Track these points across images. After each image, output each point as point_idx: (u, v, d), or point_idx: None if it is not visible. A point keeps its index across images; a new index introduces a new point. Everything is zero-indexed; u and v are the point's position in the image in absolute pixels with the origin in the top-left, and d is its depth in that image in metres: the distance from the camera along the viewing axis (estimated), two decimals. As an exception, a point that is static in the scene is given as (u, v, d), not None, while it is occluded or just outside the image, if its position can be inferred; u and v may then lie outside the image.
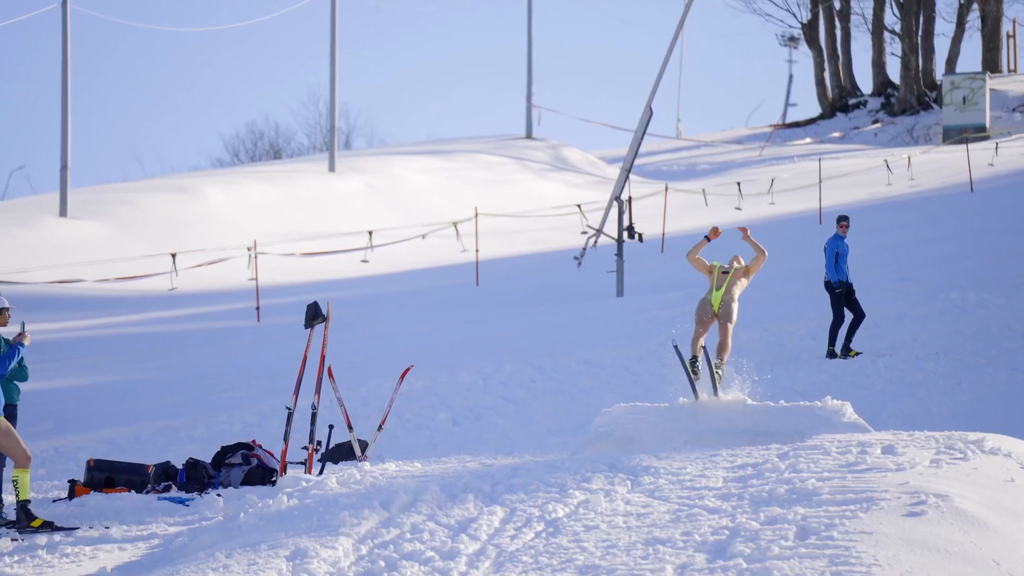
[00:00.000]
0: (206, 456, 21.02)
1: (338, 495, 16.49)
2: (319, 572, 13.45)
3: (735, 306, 18.54)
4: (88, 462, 19.52)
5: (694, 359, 18.30)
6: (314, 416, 19.26)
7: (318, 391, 19.44)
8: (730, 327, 18.34)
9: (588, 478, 15.96)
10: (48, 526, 16.67)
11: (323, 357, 19.40)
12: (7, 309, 17.15)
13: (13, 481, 16.72)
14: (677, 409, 18.85)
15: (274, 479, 19.26)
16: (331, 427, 20.04)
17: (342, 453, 21.05)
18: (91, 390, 30.59)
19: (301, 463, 19.61)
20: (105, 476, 19.36)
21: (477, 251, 50.61)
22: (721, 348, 18.39)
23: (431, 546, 13.99)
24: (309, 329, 19.50)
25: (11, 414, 17.00)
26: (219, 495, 18.49)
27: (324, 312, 19.44)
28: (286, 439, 19.14)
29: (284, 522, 15.63)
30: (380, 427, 20.05)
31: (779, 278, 39.43)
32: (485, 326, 36.49)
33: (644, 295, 38.97)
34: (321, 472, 19.04)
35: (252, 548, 14.34)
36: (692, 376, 18.12)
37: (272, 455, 19.84)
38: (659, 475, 15.77)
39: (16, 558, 15.32)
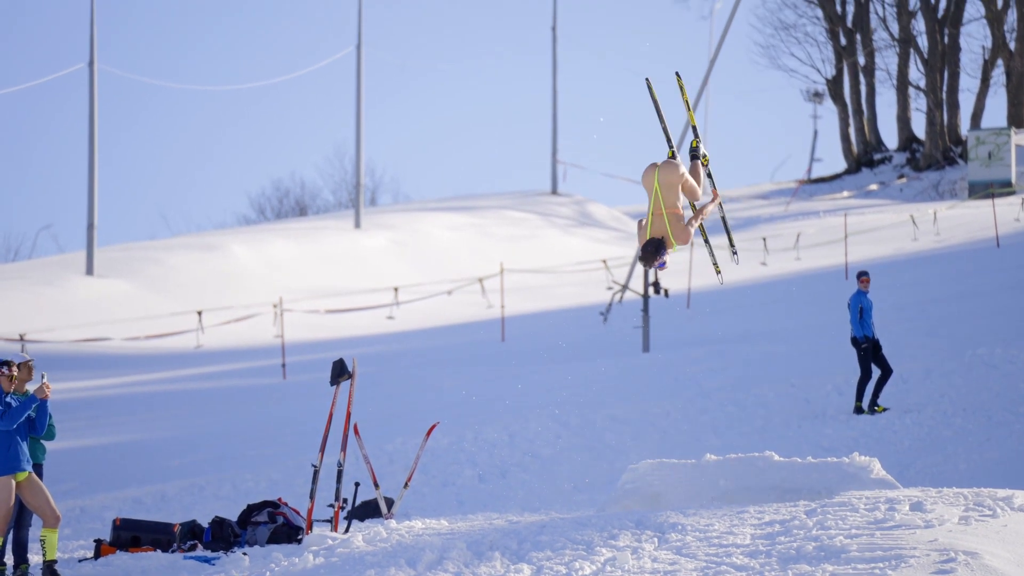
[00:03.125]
0: (232, 514, 20.99)
1: (364, 553, 16.44)
2: (345, 631, 13.39)
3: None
4: (114, 521, 19.51)
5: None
6: (340, 473, 19.24)
7: (344, 448, 19.43)
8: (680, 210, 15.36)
9: (615, 535, 15.89)
10: (73, 586, 16.69)
11: (349, 414, 19.40)
12: (26, 364, 17.19)
13: (41, 541, 16.72)
14: (704, 465, 18.77)
15: (300, 537, 19.22)
16: (357, 484, 20.01)
17: (368, 511, 21.01)
18: (117, 448, 30.62)
19: (327, 521, 19.57)
20: (131, 535, 19.34)
21: (503, 307, 50.64)
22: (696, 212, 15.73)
23: (457, 605, 13.93)
24: (335, 386, 19.50)
25: (37, 473, 17.01)
26: (245, 553, 18.45)
27: (350, 369, 19.44)
28: (312, 496, 19.11)
29: (310, 580, 15.59)
30: (406, 484, 20.01)
31: (805, 333, 39.33)
32: (511, 382, 36.46)
33: (670, 351, 38.90)
34: (347, 530, 19.00)
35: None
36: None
37: (298, 513, 19.80)
38: (686, 532, 15.69)
39: (42, 617, 15.31)
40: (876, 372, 28.44)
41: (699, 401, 30.48)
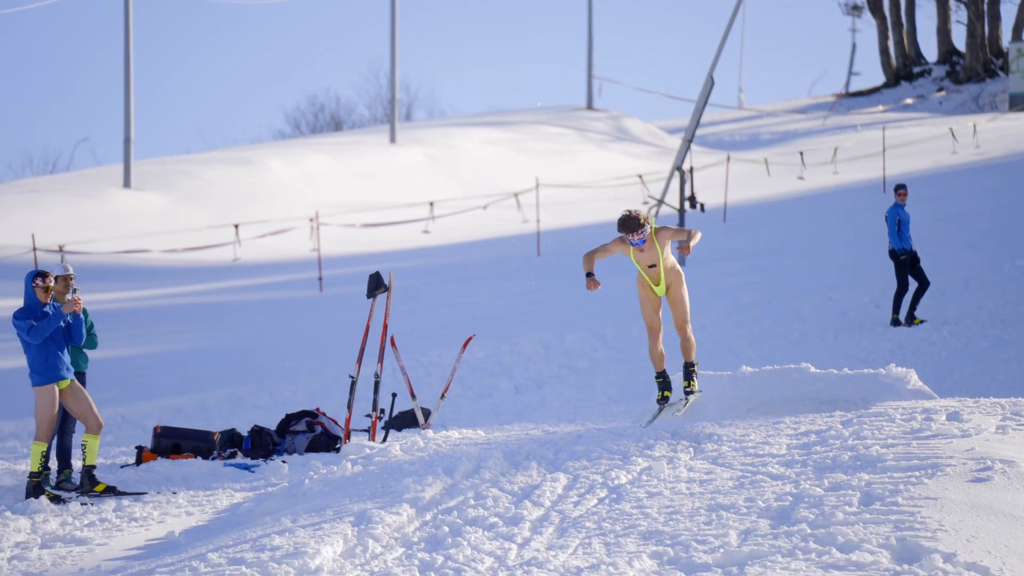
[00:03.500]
0: (271, 424, 21.17)
1: (402, 462, 16.57)
2: (384, 537, 13.53)
3: (684, 294, 15.40)
4: (155, 429, 19.69)
5: (663, 379, 15.82)
6: (377, 384, 19.36)
7: (381, 360, 19.53)
8: (687, 324, 15.53)
9: (651, 445, 15.97)
10: (111, 491, 16.86)
11: (385, 326, 19.49)
12: (71, 276, 17.31)
13: (82, 446, 16.92)
14: (740, 377, 18.81)
15: (338, 446, 19.38)
16: (394, 395, 20.14)
17: (405, 421, 21.15)
18: (157, 358, 30.86)
19: (365, 431, 19.73)
20: (172, 443, 19.53)
21: (538, 222, 50.61)
22: (686, 349, 15.81)
23: (495, 512, 14.05)
24: (371, 299, 19.58)
25: (80, 381, 17.18)
26: (284, 462, 18.62)
27: (386, 282, 19.51)
28: (350, 407, 19.25)
29: (348, 488, 15.73)
30: (443, 396, 20.13)
31: (843, 247, 39.24)
32: (546, 296, 36.52)
33: (706, 264, 38.86)
34: (385, 439, 19.15)
35: (317, 513, 14.45)
36: (663, 403, 15.89)
37: (336, 423, 19.95)
38: (722, 442, 15.76)
39: (86, 522, 15.50)
40: (913, 284, 28.38)
41: (735, 314, 30.48)
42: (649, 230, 14.41)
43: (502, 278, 41.54)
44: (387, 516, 14.07)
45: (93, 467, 16.94)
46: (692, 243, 14.60)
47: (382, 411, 19.59)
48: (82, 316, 16.61)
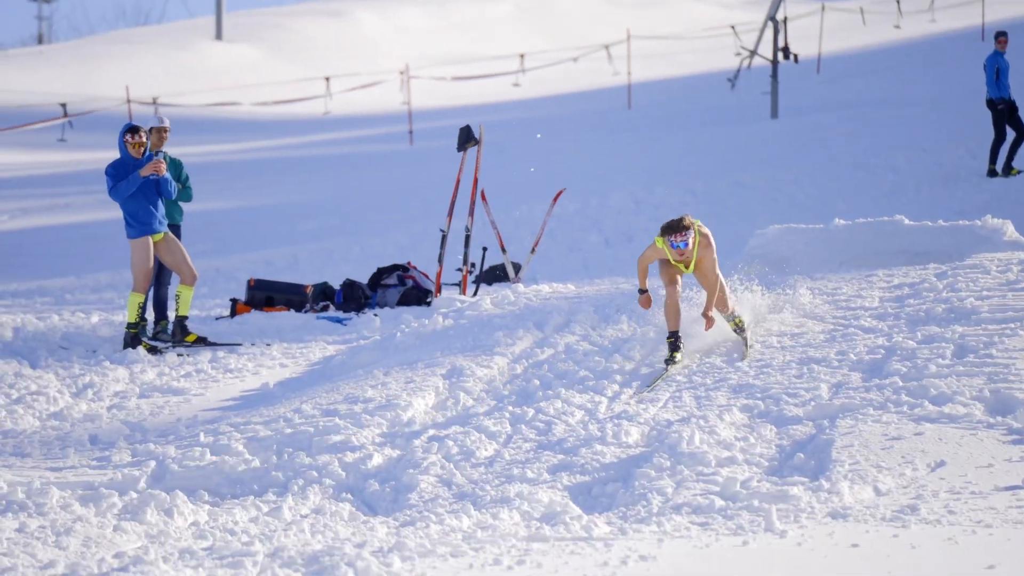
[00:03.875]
0: (362, 277, 21.30)
1: (492, 316, 16.65)
2: (475, 390, 13.64)
3: (716, 268, 13.68)
4: (248, 282, 19.88)
5: (674, 339, 13.65)
6: (468, 238, 19.39)
7: (471, 214, 19.54)
8: (725, 306, 13.87)
9: (741, 299, 15.91)
10: (202, 341, 17.08)
11: (476, 180, 19.46)
12: (166, 128, 17.40)
13: (176, 296, 17.13)
14: (833, 230, 18.65)
15: (429, 300, 19.49)
16: (485, 249, 20.17)
17: (496, 275, 21.21)
18: (250, 212, 31.09)
19: (455, 284, 19.80)
20: (265, 295, 19.71)
21: (629, 74, 50.17)
22: (718, 302, 13.85)
23: (585, 366, 14.10)
24: (462, 152, 19.54)
25: (175, 234, 17.34)
26: (376, 315, 18.75)
27: (476, 135, 19.45)
28: (440, 261, 19.31)
29: (440, 342, 15.84)
30: (533, 249, 20.13)
31: (939, 97, 38.61)
32: (637, 149, 36.31)
33: (799, 116, 38.42)
34: (475, 293, 19.22)
35: (409, 366, 14.58)
36: (670, 363, 13.57)
37: (427, 276, 20.04)
38: (814, 295, 15.68)
39: (183, 372, 15.74)
40: (1011, 134, 27.91)
41: (828, 167, 30.17)
42: (693, 235, 13.35)
43: (592, 131, 41.33)
44: (478, 369, 14.17)
45: (185, 318, 17.16)
46: (710, 309, 13.49)
47: (473, 265, 19.64)
48: (167, 176, 16.70)
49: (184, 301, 17.09)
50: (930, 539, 9.10)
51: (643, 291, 13.82)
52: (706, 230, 13.54)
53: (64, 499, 10.75)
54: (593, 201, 28.48)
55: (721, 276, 13.74)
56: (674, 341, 13.58)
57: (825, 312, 15.02)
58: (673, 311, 13.58)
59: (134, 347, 16.74)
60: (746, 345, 13.79)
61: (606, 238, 26.19)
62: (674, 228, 13.40)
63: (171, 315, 17.81)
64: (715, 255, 13.59)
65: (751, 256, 19.05)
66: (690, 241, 13.39)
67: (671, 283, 13.53)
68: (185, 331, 17.12)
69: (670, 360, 13.49)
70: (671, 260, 13.59)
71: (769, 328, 14.68)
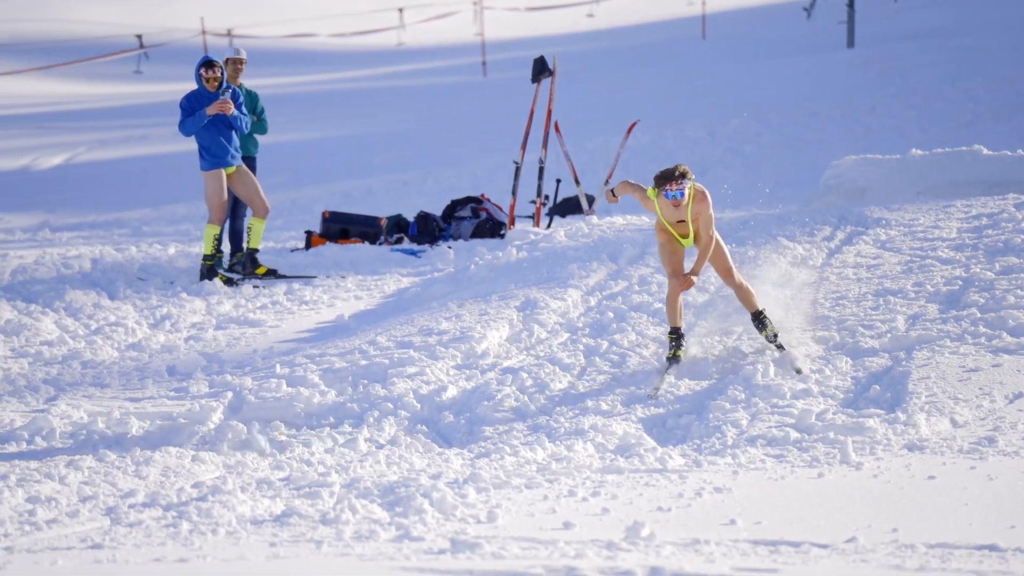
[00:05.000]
0: (436, 209, 21.32)
1: (566, 248, 16.63)
2: (549, 323, 13.65)
3: (715, 236, 12.28)
4: (323, 214, 19.94)
5: (676, 336, 12.23)
6: (541, 171, 19.35)
7: (545, 145, 19.49)
8: (733, 271, 12.33)
9: (816, 230, 15.83)
10: (272, 273, 17.17)
11: (550, 111, 19.39)
12: (242, 60, 17.43)
13: (248, 228, 17.21)
14: (910, 161, 18.48)
15: (503, 232, 19.48)
16: (558, 181, 20.12)
17: (569, 207, 21.16)
18: (324, 144, 31.17)
19: (529, 217, 19.78)
20: (340, 227, 19.77)
21: (703, 3, 49.74)
22: (745, 299, 12.36)
23: (659, 298, 14.08)
24: (535, 83, 19.47)
25: (250, 166, 17.41)
26: (450, 247, 18.78)
27: (550, 66, 19.36)
28: (514, 193, 19.29)
29: (514, 274, 15.86)
30: (607, 181, 20.07)
31: (1020, 25, 38.06)
32: (711, 80, 36.05)
33: (876, 46, 37.98)
34: (549, 226, 19.19)
35: (483, 299, 14.60)
36: (672, 362, 12.17)
37: (500, 209, 20.03)
38: (890, 226, 15.56)
39: (259, 304, 15.84)
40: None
41: (905, 96, 29.84)
42: (688, 187, 11.94)
43: (666, 62, 41.06)
44: (552, 302, 14.18)
45: (256, 250, 17.25)
46: (699, 270, 12.03)
47: (546, 197, 19.60)
48: (236, 113, 16.72)
49: (255, 233, 17.17)
50: (1007, 471, 9.04)
51: (613, 191, 12.42)
52: (702, 187, 12.21)
53: (143, 429, 10.87)
54: (667, 133, 28.34)
55: (730, 260, 12.28)
56: (676, 338, 12.13)
57: (902, 243, 14.91)
58: (674, 308, 12.17)
59: (210, 279, 16.85)
60: (792, 360, 11.88)
61: (680, 170, 26.07)
62: (668, 176, 12.03)
63: (243, 247, 17.90)
64: (711, 213, 12.15)
65: (826, 187, 18.93)
66: (685, 192, 11.98)
67: (674, 274, 12.14)
68: (255, 263, 17.21)
69: (673, 358, 12.08)
70: (666, 224, 12.17)
71: (844, 260, 14.59)
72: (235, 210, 17.44)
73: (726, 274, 12.31)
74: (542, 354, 12.75)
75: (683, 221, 12.16)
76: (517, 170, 19.32)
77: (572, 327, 13.53)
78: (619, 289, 14.56)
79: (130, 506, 8.57)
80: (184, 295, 16.22)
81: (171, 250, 19.17)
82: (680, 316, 12.20)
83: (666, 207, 12.14)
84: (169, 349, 13.98)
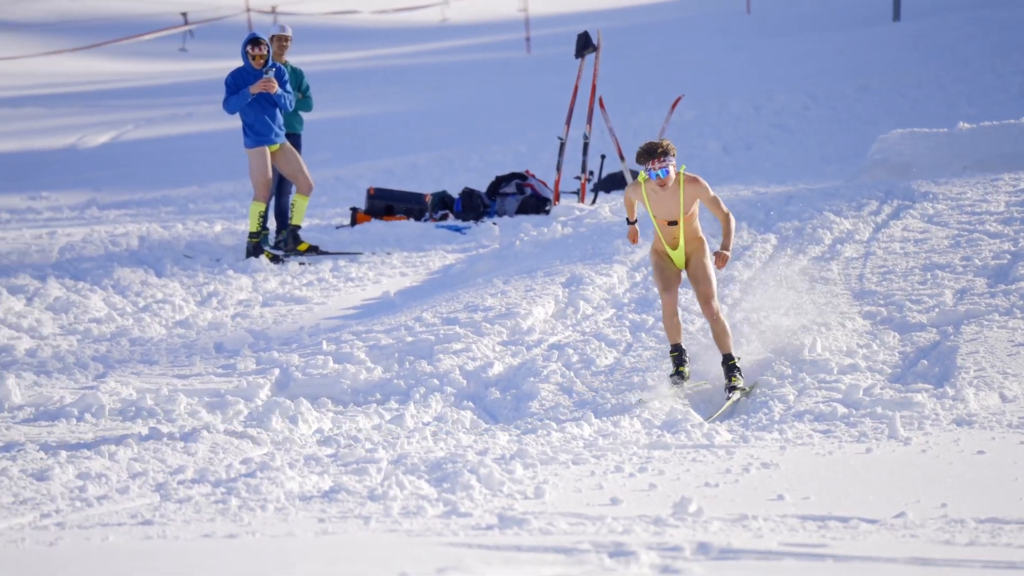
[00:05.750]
0: (480, 185, 21.32)
1: (611, 224, 16.61)
2: (594, 299, 13.65)
3: (708, 264, 11.23)
4: (368, 191, 19.96)
5: (678, 353, 11.31)
6: (586, 146, 19.32)
7: (589, 121, 19.46)
8: (713, 300, 11.20)
9: (863, 205, 15.76)
10: (314, 250, 17.21)
11: (594, 87, 19.36)
12: (287, 37, 17.46)
13: (291, 204, 17.26)
14: (957, 134, 18.36)
15: (548, 208, 19.47)
16: (603, 157, 20.09)
17: (614, 182, 21.13)
18: (368, 120, 31.19)
19: (574, 192, 19.76)
20: (385, 204, 19.79)
21: (748, -23, 49.47)
22: (718, 336, 11.26)
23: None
24: (579, 59, 19.43)
25: (295, 143, 17.44)
26: (494, 223, 18.78)
27: (594, 41, 19.31)
28: (559, 169, 19.27)
29: (559, 250, 15.85)
30: (652, 156, 20.00)
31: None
32: (756, 54, 35.88)
33: (924, 18, 37.71)
34: (594, 201, 19.18)
35: (528, 275, 14.60)
36: (677, 379, 11.30)
37: (545, 184, 20.01)
38: (938, 200, 15.47)
39: (305, 281, 15.89)
40: None
41: (953, 69, 29.63)
42: (673, 166, 10.90)
43: (711, 36, 40.89)
44: (597, 277, 14.16)
45: (299, 227, 17.29)
46: (729, 245, 11.02)
47: (591, 173, 19.57)
48: (280, 91, 16.73)
49: (298, 210, 17.22)
50: (1057, 447, 9.00)
51: (631, 222, 11.47)
52: (694, 175, 11.15)
53: (191, 406, 10.93)
54: (712, 107, 28.24)
55: (715, 286, 11.18)
56: (678, 355, 11.25)
57: (949, 217, 14.82)
58: (672, 324, 11.26)
59: (256, 255, 16.91)
60: (729, 401, 10.93)
61: (725, 145, 25.98)
62: (651, 152, 10.94)
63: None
64: (713, 193, 11.11)
65: (873, 162, 18.84)
66: (671, 170, 10.94)
67: (666, 289, 11.21)
68: (297, 239, 17.26)
69: (676, 375, 11.22)
70: (657, 230, 11.12)
71: (891, 234, 14.52)
72: (281, 187, 17.49)
73: (705, 301, 11.20)
74: (588, 330, 12.75)
75: (674, 223, 11.09)
76: (561, 146, 19.30)
77: (618, 303, 13.52)
78: (665, 265, 14.53)
79: (179, 482, 8.62)
80: (231, 272, 16.28)
81: (217, 227, 19.23)
82: (679, 332, 11.29)
83: (654, 196, 11.09)
84: (216, 326, 14.04)
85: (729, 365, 11.12)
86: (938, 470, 8.52)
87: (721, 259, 11.08)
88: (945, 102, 27.28)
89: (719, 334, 11.19)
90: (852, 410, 10.15)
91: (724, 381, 11.13)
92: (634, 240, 11.52)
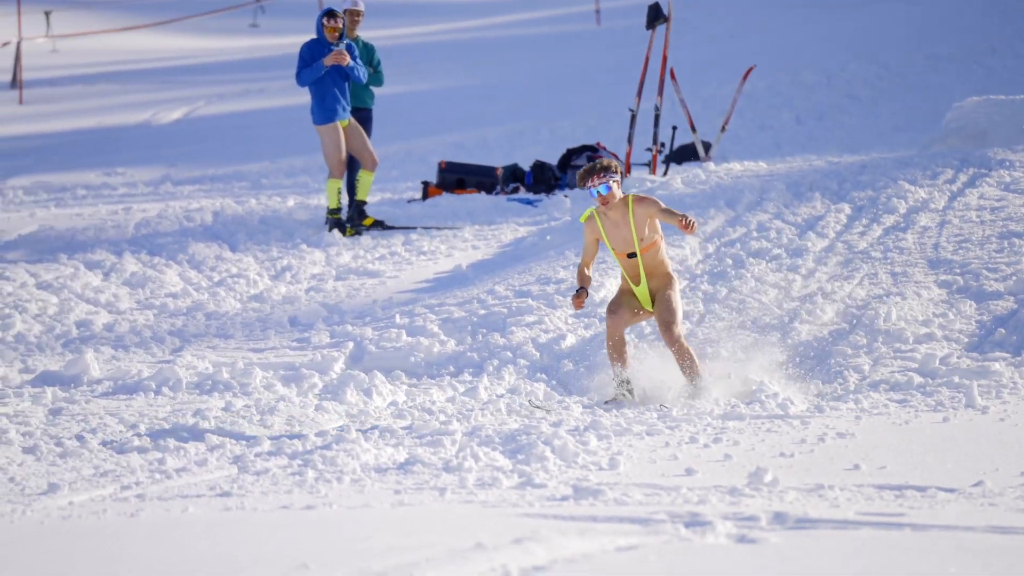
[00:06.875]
0: (552, 158, 21.30)
1: (683, 195, 16.56)
2: (667, 269, 13.61)
3: (675, 296, 10.35)
4: (439, 164, 20.00)
5: (624, 388, 10.38)
6: (657, 118, 19.26)
7: (660, 93, 19.39)
8: (675, 326, 10.26)
9: (938, 173, 15.63)
10: (379, 224, 17.26)
11: (665, 58, 19.28)
12: (360, 12, 17.49)
13: (356, 180, 17.31)
14: (1033, 102, 18.16)
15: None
16: (674, 128, 20.02)
17: (686, 154, 21.05)
18: (439, 95, 31.22)
19: (645, 164, 19.70)
20: (456, 178, 19.83)
21: (819, -54, 49.08)
22: (684, 368, 10.27)
23: (778, 244, 13.98)
24: (650, 30, 19.35)
25: (366, 117, 17.49)
26: (566, 196, 18.76)
27: (665, 13, 19.23)
28: (630, 141, 19.23)
29: (631, 221, 15.82)
30: (723, 128, 19.94)
31: None
32: (828, 24, 35.61)
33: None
34: (665, 173, 19.12)
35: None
36: (620, 396, 10.37)
37: (616, 157, 19.96)
38: (1015, 168, 15.32)
39: (377, 255, 15.95)
40: None
41: (1028, 36, 29.33)
42: (617, 184, 10.15)
43: (782, 7, 40.61)
44: (670, 249, 14.13)
45: (364, 202, 17.35)
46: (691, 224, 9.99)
47: (662, 144, 19.52)
48: (352, 63, 16.77)
49: (364, 185, 17.28)
50: None
51: (580, 289, 10.46)
52: (642, 195, 10.35)
53: (267, 379, 11.01)
54: (784, 78, 28.07)
55: (679, 313, 10.29)
56: (622, 381, 10.32)
57: (1026, 186, 14.69)
58: (617, 345, 10.33)
59: (342, 231, 17.01)
60: (695, 386, 10.23)
61: (797, 115, 25.83)
62: (588, 171, 10.22)
63: (369, 200, 18.02)
64: (664, 205, 10.26)
65: (948, 130, 18.68)
66: (612, 185, 10.16)
67: (613, 312, 10.33)
68: (363, 214, 17.32)
69: (615, 399, 10.27)
70: (619, 262, 10.42)
71: (967, 202, 14.39)
72: (351, 163, 17.55)
73: (665, 327, 10.23)
74: (661, 301, 12.71)
75: (632, 256, 10.27)
76: (633, 118, 19.25)
77: (690, 274, 13.49)
78: (737, 235, 14.48)
79: (256, 455, 8.69)
80: (304, 247, 16.37)
81: (290, 202, 19.34)
82: (624, 353, 10.29)
83: (609, 226, 10.29)
84: (290, 300, 14.12)
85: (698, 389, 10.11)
86: (1016, 438, 8.46)
87: (690, 224, 9.96)
88: (1020, 69, 26.98)
89: (685, 366, 10.20)
90: (928, 379, 10.09)
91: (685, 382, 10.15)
92: (578, 305, 10.32)
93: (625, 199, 10.30)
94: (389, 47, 35.03)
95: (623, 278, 10.49)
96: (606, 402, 10.29)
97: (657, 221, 10.33)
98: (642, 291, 10.38)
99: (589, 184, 10.27)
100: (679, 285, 10.48)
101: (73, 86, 34.19)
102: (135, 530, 6.61)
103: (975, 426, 8.83)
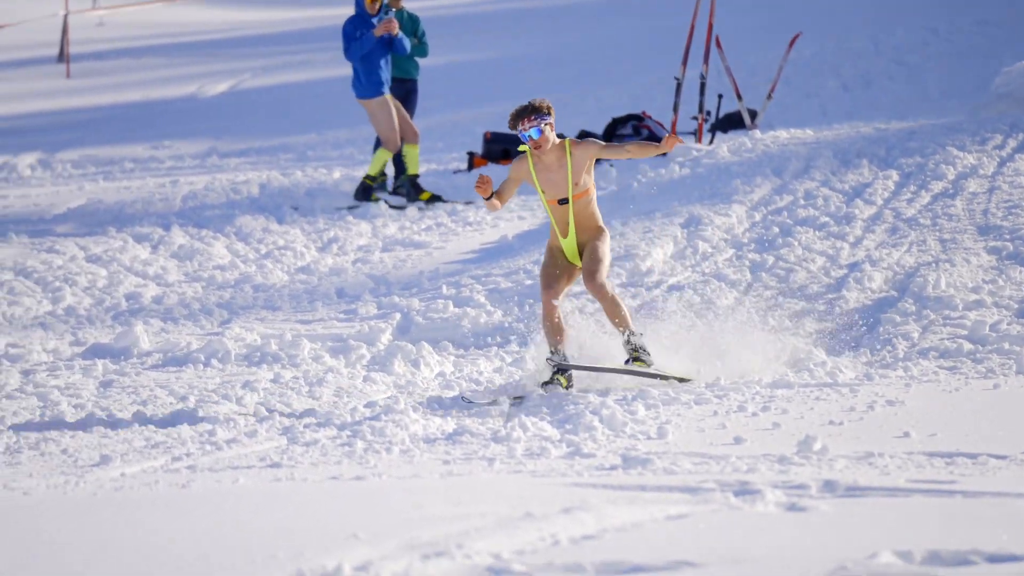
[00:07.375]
0: (597, 128, 21.26)
1: (729, 163, 16.52)
2: (713, 239, 13.58)
3: (603, 247, 9.80)
4: (485, 135, 19.99)
5: (557, 362, 9.77)
6: (703, 86, 19.19)
7: (706, 61, 19.31)
8: (598, 274, 9.71)
9: (987, 139, 15.52)
10: (436, 199, 17.26)
11: (710, 26, 19.20)
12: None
13: (403, 156, 17.31)
14: (1083, 66, 18.00)
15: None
16: (720, 97, 19.94)
17: (732, 122, 20.97)
18: (483, 65, 31.19)
19: (691, 133, 19.64)
20: (502, 148, 19.81)
21: (865, -89, 48.72)
22: (610, 313, 9.80)
23: (825, 212, 13.93)
24: (696, -2, 19.27)
25: (411, 88, 17.50)
26: (611, 166, 18.74)
27: (710, -21, 19.12)
28: (675, 109, 19.16)
29: (677, 190, 15.80)
30: (769, 95, 19.84)
31: None
32: (875, -10, 35.35)
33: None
34: (711, 141, 19.06)
35: (646, 216, 14.57)
36: (553, 386, 9.72)
37: (662, 125, 19.91)
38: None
39: (423, 226, 15.98)
40: None
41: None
42: (550, 127, 9.65)
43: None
44: (716, 217, 14.09)
45: (416, 176, 17.35)
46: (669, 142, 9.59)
47: (708, 113, 19.44)
48: (401, 34, 16.77)
49: (411, 160, 17.28)
50: None
51: (490, 196, 9.90)
52: (580, 140, 9.85)
53: (315, 351, 11.05)
54: (830, 45, 27.89)
55: (607, 259, 9.79)
56: (556, 361, 9.75)
57: (1076, 151, 14.58)
58: (549, 323, 9.80)
59: (366, 198, 17.02)
60: (657, 375, 9.67)
61: (844, 82, 25.67)
62: (519, 113, 9.71)
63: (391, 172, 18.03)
64: (603, 143, 9.78)
65: (997, 95, 18.54)
66: (545, 128, 9.65)
67: (547, 287, 9.78)
68: (419, 189, 17.32)
69: (550, 384, 9.70)
70: (547, 210, 9.94)
71: (1018, 167, 14.29)
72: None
73: (589, 275, 9.69)
74: (707, 271, 12.70)
75: (564, 202, 9.77)
76: (678, 86, 19.18)
77: (737, 243, 13.45)
78: (784, 204, 14.43)
79: (305, 426, 8.73)
80: (350, 218, 16.41)
81: (336, 174, 19.37)
82: (561, 333, 9.75)
83: (541, 169, 9.79)
84: (337, 272, 14.17)
85: (632, 346, 9.62)
86: (1067, 406, 8.42)
87: (672, 141, 9.58)
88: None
89: (610, 311, 9.70)
90: (978, 346, 10.04)
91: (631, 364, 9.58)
92: (485, 192, 9.78)
93: (563, 143, 9.78)
94: (433, 17, 35.01)
95: (552, 233, 9.95)
96: (542, 384, 9.74)
97: (593, 172, 9.87)
98: (570, 244, 9.85)
99: (520, 127, 9.72)
100: (609, 238, 9.93)
101: (120, 59, 34.31)
102: (186, 501, 6.66)
103: (1026, 393, 8.78)
